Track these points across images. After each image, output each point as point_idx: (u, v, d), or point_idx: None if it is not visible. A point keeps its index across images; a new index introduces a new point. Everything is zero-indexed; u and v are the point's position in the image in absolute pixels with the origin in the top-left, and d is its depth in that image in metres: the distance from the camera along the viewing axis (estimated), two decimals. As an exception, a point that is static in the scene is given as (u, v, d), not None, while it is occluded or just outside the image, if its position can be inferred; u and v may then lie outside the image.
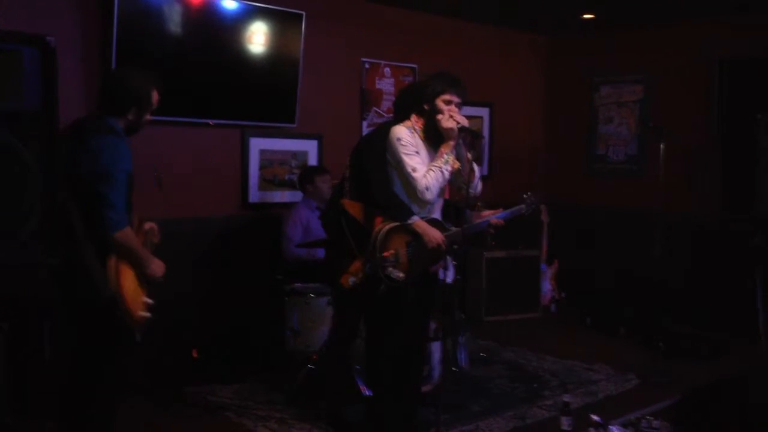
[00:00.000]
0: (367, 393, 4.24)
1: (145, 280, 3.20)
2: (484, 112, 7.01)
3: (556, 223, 6.95)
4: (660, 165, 5.24)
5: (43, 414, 3.53)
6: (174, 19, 4.74)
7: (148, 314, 3.16)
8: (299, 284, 4.75)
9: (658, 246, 5.40)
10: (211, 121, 5.12)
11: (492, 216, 3.76)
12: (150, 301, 3.19)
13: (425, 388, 4.31)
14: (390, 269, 3.48)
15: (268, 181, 5.51)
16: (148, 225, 3.32)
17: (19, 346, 3.39)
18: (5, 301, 3.10)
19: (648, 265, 5.89)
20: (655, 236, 5.43)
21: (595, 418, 3.80)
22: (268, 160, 5.50)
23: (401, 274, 3.49)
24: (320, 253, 4.92)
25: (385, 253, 3.49)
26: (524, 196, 3.85)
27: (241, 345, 5.20)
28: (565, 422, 3.94)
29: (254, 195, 5.43)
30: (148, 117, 3.27)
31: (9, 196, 2.16)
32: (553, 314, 6.92)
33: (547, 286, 6.94)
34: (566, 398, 3.98)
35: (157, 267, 3.25)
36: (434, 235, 3.52)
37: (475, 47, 6.81)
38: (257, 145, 5.42)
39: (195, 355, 5.02)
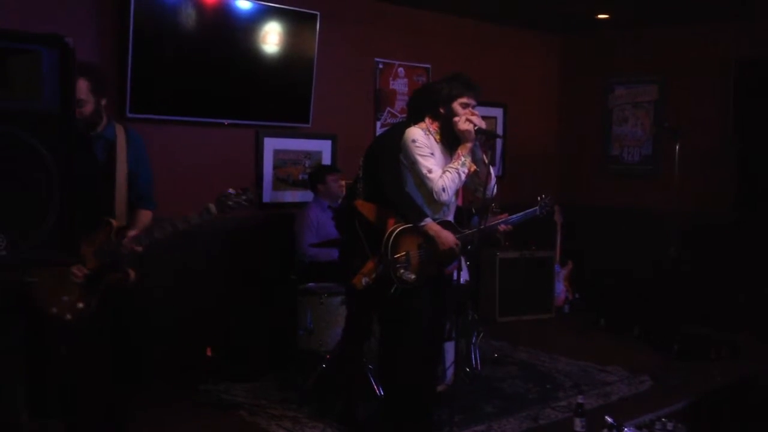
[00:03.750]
0: (380, 393, 4.25)
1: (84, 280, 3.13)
2: (498, 112, 7.00)
3: (570, 224, 6.93)
4: (675, 165, 5.21)
5: (60, 413, 3.56)
6: (189, 19, 4.76)
7: (67, 316, 3.09)
8: (313, 284, 4.76)
9: (672, 247, 5.37)
10: (225, 121, 5.14)
11: (504, 220, 3.76)
12: (80, 305, 3.10)
13: (439, 388, 4.31)
14: (401, 271, 3.48)
15: (282, 181, 5.53)
16: (131, 233, 3.22)
17: (37, 343, 3.42)
18: (23, 299, 3.13)
19: (663, 266, 5.85)
20: (669, 237, 5.40)
21: (609, 419, 3.78)
22: (282, 159, 5.52)
23: (412, 276, 3.50)
24: (334, 253, 4.93)
25: (396, 255, 3.49)
26: (539, 198, 3.85)
27: (255, 344, 5.21)
28: (578, 423, 3.92)
29: (268, 195, 5.45)
30: (86, 107, 3.15)
31: (28, 194, 2.18)
32: (566, 315, 6.90)
33: (560, 287, 6.92)
34: (580, 399, 3.97)
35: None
36: (447, 237, 3.52)
37: (489, 47, 6.80)
38: (271, 144, 5.44)
39: (209, 353, 5.05)
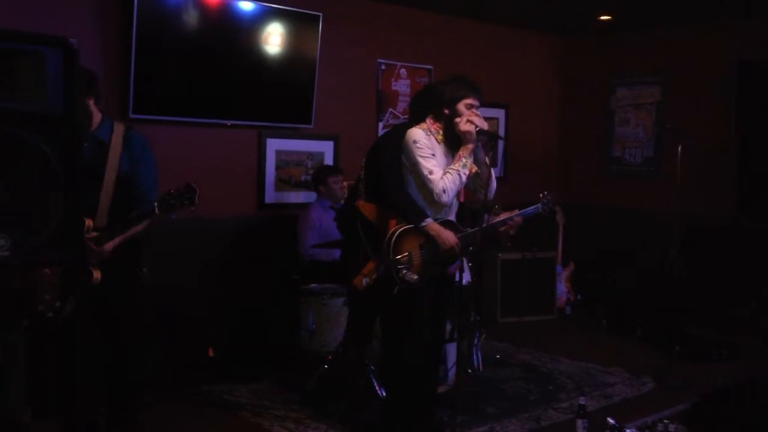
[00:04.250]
0: (382, 393, 4.25)
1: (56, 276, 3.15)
2: (500, 113, 7.01)
3: (572, 225, 6.94)
4: (677, 167, 5.21)
5: (61, 413, 3.56)
6: (192, 20, 4.77)
7: (49, 314, 3.13)
8: (315, 285, 4.77)
9: (674, 248, 5.37)
10: (228, 122, 5.15)
11: (510, 216, 3.75)
12: (57, 303, 3.15)
13: (440, 390, 4.31)
14: (404, 271, 3.49)
15: (284, 182, 5.54)
16: (93, 233, 3.24)
17: (39, 344, 3.44)
18: (27, 299, 3.15)
19: (664, 267, 5.84)
20: (671, 238, 5.40)
21: (611, 421, 3.78)
22: (285, 160, 5.52)
23: (415, 277, 3.50)
24: (336, 253, 4.94)
25: (399, 256, 3.49)
26: (541, 195, 3.85)
27: (257, 345, 5.22)
28: (580, 425, 3.92)
29: (270, 195, 5.46)
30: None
31: (32, 195, 2.18)
32: (568, 316, 6.90)
33: (562, 288, 6.92)
34: (582, 401, 3.97)
35: None
36: (447, 236, 3.52)
37: (492, 48, 6.80)
38: (274, 145, 5.45)
39: (211, 354, 5.06)
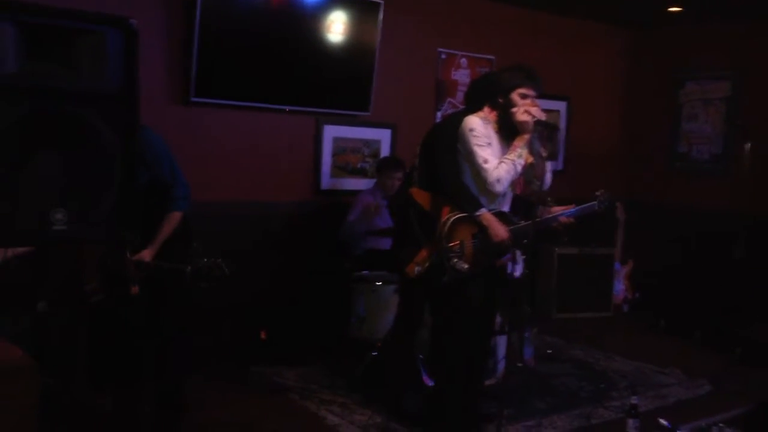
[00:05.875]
0: (429, 383, 4.24)
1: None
2: (561, 105, 6.88)
3: (633, 221, 6.77)
4: (746, 165, 5.04)
5: (115, 387, 3.66)
6: (255, 6, 4.82)
7: (92, 298, 3.33)
8: (367, 272, 4.78)
9: (739, 248, 5.20)
10: (286, 108, 5.19)
11: (562, 213, 3.68)
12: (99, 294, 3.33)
13: (489, 382, 4.28)
14: (455, 260, 3.46)
15: (341, 169, 5.56)
16: (137, 255, 3.37)
17: (96, 320, 3.54)
18: (74, 279, 3.26)
19: (728, 267, 5.66)
20: (737, 238, 5.23)
21: (663, 422, 3.69)
22: (341, 147, 5.54)
23: (466, 266, 3.47)
24: (378, 241, 4.94)
25: (451, 244, 3.47)
26: (596, 193, 3.76)
27: (308, 329, 5.27)
28: (631, 424, 3.84)
29: (326, 182, 5.49)
30: None
31: (89, 172, 2.24)
32: (625, 314, 6.76)
33: (620, 286, 6.77)
34: (634, 400, 3.88)
35: None
36: (499, 229, 3.48)
37: (555, 39, 6.67)
38: (331, 132, 5.47)
39: (263, 337, 5.13)
